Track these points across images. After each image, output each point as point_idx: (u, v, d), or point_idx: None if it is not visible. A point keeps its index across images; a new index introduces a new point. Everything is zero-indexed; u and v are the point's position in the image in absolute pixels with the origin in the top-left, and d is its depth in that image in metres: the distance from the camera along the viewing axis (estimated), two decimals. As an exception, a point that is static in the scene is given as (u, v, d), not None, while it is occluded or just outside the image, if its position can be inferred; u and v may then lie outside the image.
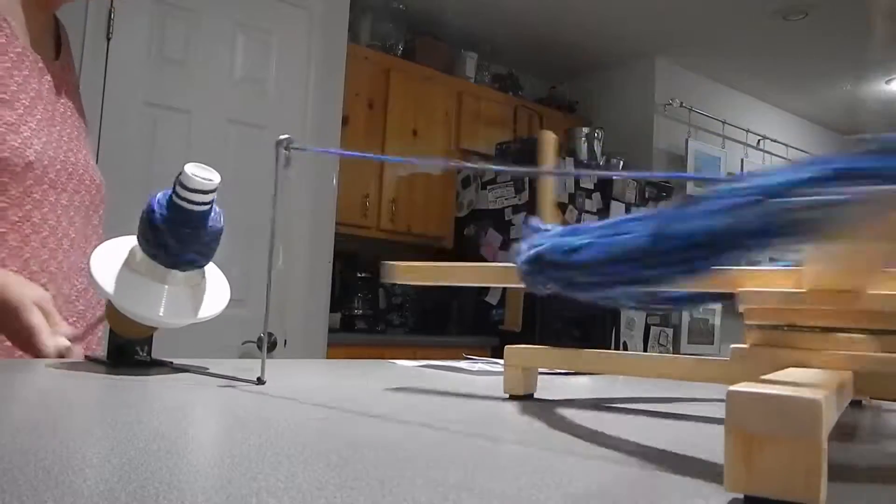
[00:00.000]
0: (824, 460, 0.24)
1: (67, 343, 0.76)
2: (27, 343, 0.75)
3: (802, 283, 0.42)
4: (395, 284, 3.70)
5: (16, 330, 0.76)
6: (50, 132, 0.91)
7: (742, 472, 0.25)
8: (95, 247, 0.69)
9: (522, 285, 0.49)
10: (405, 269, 0.61)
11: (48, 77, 0.95)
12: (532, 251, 0.46)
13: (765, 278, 0.46)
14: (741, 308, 0.46)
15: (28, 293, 0.77)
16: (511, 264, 0.50)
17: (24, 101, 0.88)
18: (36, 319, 0.75)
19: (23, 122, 0.86)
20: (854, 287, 0.40)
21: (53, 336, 0.75)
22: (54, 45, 1.01)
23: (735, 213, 0.32)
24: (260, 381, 0.58)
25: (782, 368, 0.39)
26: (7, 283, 0.78)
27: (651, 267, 0.38)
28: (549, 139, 0.62)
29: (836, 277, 0.40)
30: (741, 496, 0.26)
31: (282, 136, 0.56)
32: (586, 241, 0.42)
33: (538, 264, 0.46)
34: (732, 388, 0.25)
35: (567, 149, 3.65)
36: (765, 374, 0.34)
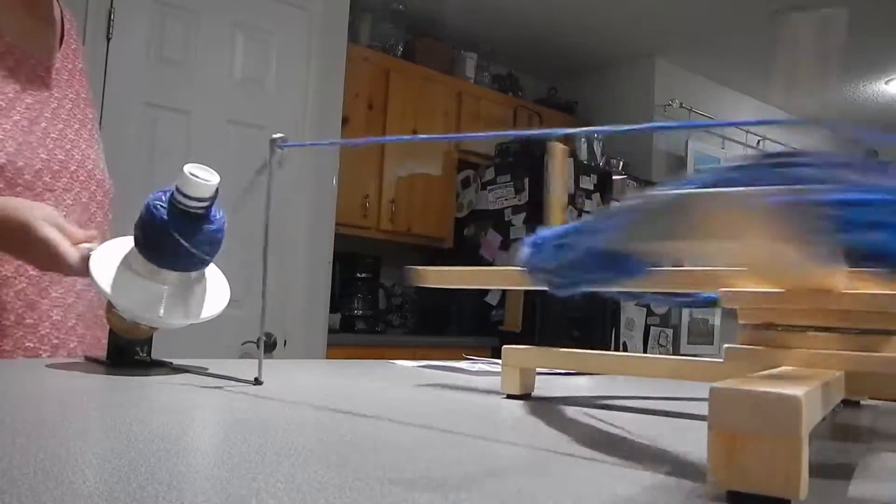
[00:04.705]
0: (804, 456, 0.25)
1: (90, 245, 0.73)
2: (48, 259, 0.73)
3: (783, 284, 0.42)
4: (394, 284, 3.70)
5: (33, 251, 0.73)
6: (31, 131, 0.89)
7: (724, 467, 0.25)
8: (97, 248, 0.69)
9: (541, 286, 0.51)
10: (433, 273, 0.64)
11: (41, 73, 0.93)
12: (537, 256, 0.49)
13: (748, 278, 0.46)
14: (724, 307, 0.47)
15: (36, 213, 0.75)
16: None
17: None
18: (50, 233, 0.73)
19: None
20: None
21: (73, 246, 0.73)
22: (59, 34, 0.99)
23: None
24: (257, 382, 0.58)
25: (774, 367, 0.39)
26: (14, 207, 0.75)
27: (591, 271, 0.43)
28: (560, 151, 0.63)
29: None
30: (724, 492, 0.26)
31: (275, 135, 0.56)
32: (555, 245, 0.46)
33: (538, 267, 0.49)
34: (714, 385, 0.26)
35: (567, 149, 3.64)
36: (756, 373, 0.34)
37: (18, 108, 0.88)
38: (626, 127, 0.40)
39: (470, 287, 0.64)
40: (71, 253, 0.71)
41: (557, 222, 0.56)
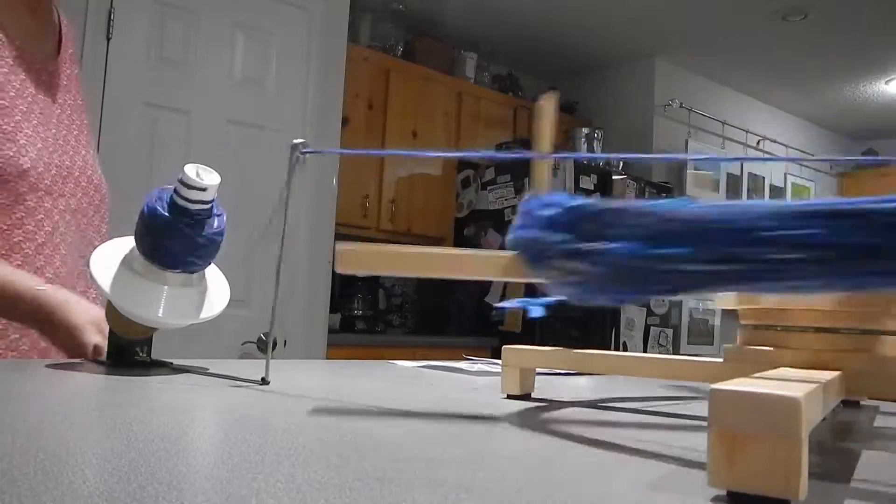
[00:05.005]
0: (804, 457, 0.25)
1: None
2: (73, 348, 0.80)
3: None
4: (394, 284, 3.70)
5: (74, 348, 0.80)
6: (46, 136, 0.90)
7: (724, 468, 0.25)
8: (97, 248, 0.69)
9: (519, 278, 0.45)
10: (358, 255, 0.51)
11: (45, 78, 0.94)
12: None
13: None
14: (716, 306, 0.47)
15: (88, 317, 0.82)
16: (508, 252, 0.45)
17: (21, 107, 0.87)
18: (96, 339, 0.80)
19: (19, 129, 0.86)
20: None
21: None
22: (56, 39, 1.00)
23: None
24: (264, 382, 0.58)
25: (774, 368, 0.39)
26: (70, 308, 0.82)
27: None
28: (548, 103, 0.55)
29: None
30: (724, 492, 0.26)
31: (296, 140, 0.56)
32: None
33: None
34: (714, 386, 0.26)
35: (567, 149, 3.65)
36: (756, 373, 0.34)
37: (35, 112, 0.90)
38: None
39: (440, 282, 0.58)
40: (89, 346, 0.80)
41: (543, 183, 0.53)
